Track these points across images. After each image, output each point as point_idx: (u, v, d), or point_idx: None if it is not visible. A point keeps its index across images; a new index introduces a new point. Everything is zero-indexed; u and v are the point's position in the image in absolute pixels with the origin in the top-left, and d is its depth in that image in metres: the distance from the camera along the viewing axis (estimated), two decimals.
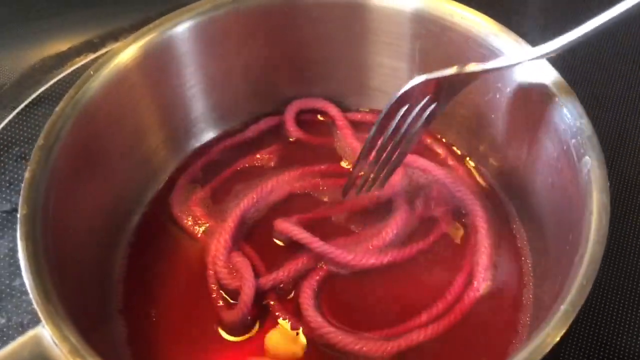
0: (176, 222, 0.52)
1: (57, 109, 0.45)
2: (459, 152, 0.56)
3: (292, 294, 0.49)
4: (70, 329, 0.37)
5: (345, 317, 0.47)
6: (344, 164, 0.56)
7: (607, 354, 0.50)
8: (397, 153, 0.49)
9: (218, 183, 0.55)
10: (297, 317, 0.47)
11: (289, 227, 0.49)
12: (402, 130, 0.47)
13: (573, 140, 0.43)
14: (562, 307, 0.36)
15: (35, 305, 0.37)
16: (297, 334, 0.46)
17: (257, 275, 0.48)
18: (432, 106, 0.47)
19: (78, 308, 0.40)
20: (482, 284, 0.48)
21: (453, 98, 0.47)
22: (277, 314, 0.47)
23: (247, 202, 0.51)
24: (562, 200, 0.45)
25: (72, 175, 0.45)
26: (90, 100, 0.46)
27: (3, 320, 0.53)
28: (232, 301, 0.48)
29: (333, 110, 0.58)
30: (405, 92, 0.46)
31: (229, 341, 0.47)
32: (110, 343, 0.46)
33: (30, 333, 0.37)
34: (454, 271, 0.49)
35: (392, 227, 0.50)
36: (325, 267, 0.49)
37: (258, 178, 0.54)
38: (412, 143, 0.48)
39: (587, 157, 0.42)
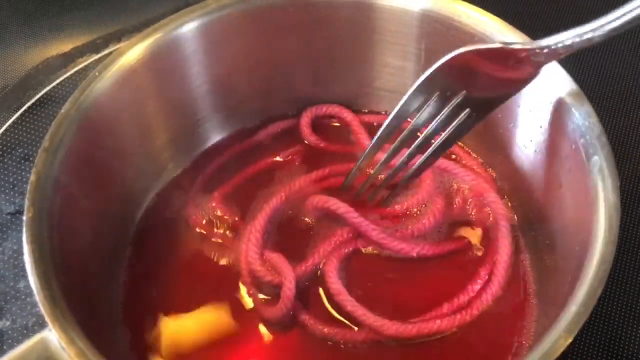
0: (190, 223, 0.52)
1: (62, 110, 0.45)
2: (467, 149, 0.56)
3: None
4: (76, 333, 0.37)
5: (365, 297, 0.48)
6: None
7: (614, 355, 0.49)
8: (419, 158, 0.48)
9: (237, 185, 0.54)
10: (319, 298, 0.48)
11: (326, 199, 0.50)
12: (429, 129, 0.46)
13: (582, 140, 0.43)
14: (574, 309, 0.36)
15: (41, 309, 0.37)
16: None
17: None
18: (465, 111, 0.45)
19: (83, 312, 0.40)
20: (501, 282, 0.48)
21: (490, 104, 0.44)
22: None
23: (276, 201, 0.51)
24: (570, 200, 0.45)
25: (77, 177, 0.45)
26: (95, 101, 0.46)
27: (8, 323, 0.53)
28: (266, 297, 0.48)
29: (348, 116, 0.58)
30: (437, 72, 0.43)
31: (271, 337, 0.47)
32: (115, 349, 0.46)
33: (37, 337, 0.36)
34: (476, 268, 0.49)
35: (430, 216, 0.50)
36: (354, 244, 0.50)
37: (279, 180, 0.54)
38: (442, 150, 0.47)
39: (596, 157, 0.42)
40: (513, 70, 0.43)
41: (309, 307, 0.48)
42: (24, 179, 0.61)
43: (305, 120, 0.58)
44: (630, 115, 0.63)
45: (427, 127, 0.46)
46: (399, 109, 0.46)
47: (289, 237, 0.51)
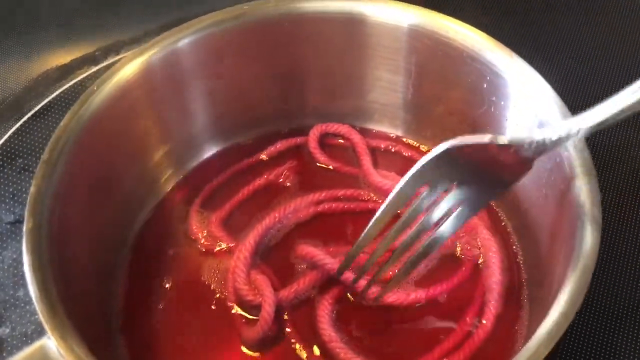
0: (187, 238, 0.53)
1: (61, 123, 0.46)
2: None
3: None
4: (75, 341, 0.37)
5: (355, 343, 0.47)
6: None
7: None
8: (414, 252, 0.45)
9: (235, 203, 0.55)
10: (311, 331, 0.47)
11: (311, 251, 0.49)
12: (418, 225, 0.44)
13: (565, 154, 0.44)
14: (555, 318, 0.37)
15: (40, 317, 0.38)
16: None
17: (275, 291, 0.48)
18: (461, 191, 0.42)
19: (82, 321, 0.40)
20: (491, 320, 0.48)
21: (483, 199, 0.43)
22: (287, 330, 0.48)
23: (268, 221, 0.52)
24: (555, 212, 0.46)
25: (75, 189, 0.46)
26: (93, 115, 0.47)
27: (7, 330, 0.53)
28: (250, 317, 0.48)
29: (356, 137, 0.58)
30: (425, 170, 0.41)
31: (249, 357, 0.47)
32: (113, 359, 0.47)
33: (37, 344, 0.37)
34: (465, 304, 0.49)
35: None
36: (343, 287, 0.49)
37: (276, 199, 0.55)
38: (437, 244, 0.45)
39: (578, 170, 0.43)
40: (503, 165, 0.42)
41: (299, 336, 0.48)
42: (24, 189, 0.62)
43: (313, 139, 0.58)
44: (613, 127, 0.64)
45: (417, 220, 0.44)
46: (389, 204, 0.43)
47: (281, 260, 0.51)
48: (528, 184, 0.50)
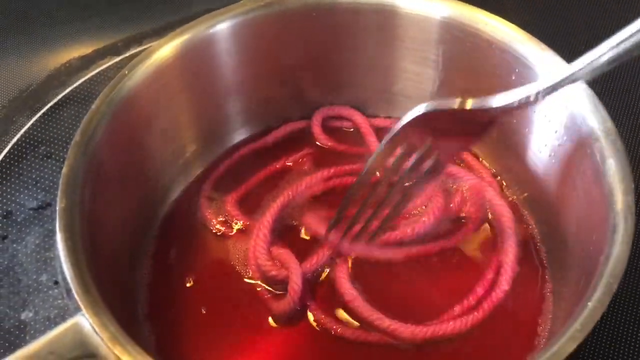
0: (204, 221, 0.53)
1: (92, 106, 0.46)
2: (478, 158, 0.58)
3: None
4: (108, 318, 0.38)
5: (375, 300, 0.48)
6: None
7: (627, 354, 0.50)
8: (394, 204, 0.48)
9: (250, 185, 0.56)
10: (333, 297, 0.48)
11: (315, 225, 0.51)
12: (402, 177, 0.47)
13: (597, 144, 0.44)
14: (590, 304, 0.37)
15: (75, 295, 0.38)
16: None
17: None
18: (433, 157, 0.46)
19: (111, 303, 0.41)
20: (508, 280, 0.49)
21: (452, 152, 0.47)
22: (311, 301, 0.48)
23: (283, 199, 0.53)
24: (584, 201, 0.46)
25: (106, 170, 0.46)
26: (124, 98, 0.48)
27: (31, 314, 0.54)
28: (276, 292, 0.49)
29: (358, 118, 0.59)
30: (403, 131, 0.45)
31: (279, 330, 0.48)
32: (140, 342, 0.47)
33: (70, 321, 0.37)
34: (483, 267, 0.50)
35: (430, 215, 0.51)
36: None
37: (284, 180, 0.55)
38: (410, 197, 0.48)
39: (610, 160, 0.43)
40: (471, 124, 0.44)
41: (321, 306, 0.49)
42: (46, 176, 0.63)
43: (316, 120, 0.59)
44: None
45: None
46: (370, 165, 0.47)
47: (297, 236, 0.52)
48: (555, 175, 0.50)
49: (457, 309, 0.48)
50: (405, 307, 0.49)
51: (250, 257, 0.50)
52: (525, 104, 0.42)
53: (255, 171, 0.56)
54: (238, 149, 0.58)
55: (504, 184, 0.56)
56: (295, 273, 0.48)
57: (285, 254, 0.49)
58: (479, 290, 0.49)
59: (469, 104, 0.43)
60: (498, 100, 0.42)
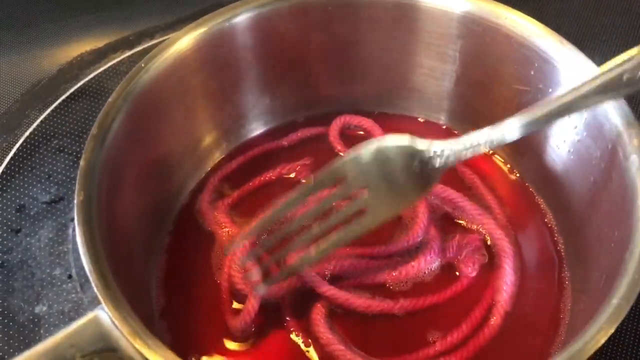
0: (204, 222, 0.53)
1: (109, 99, 0.46)
2: (496, 156, 0.57)
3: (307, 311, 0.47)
4: (128, 312, 0.37)
5: (358, 341, 0.46)
6: None
7: None
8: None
9: (247, 190, 0.54)
10: (309, 333, 0.46)
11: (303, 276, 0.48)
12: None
13: (619, 139, 0.44)
14: (615, 301, 0.37)
15: (94, 288, 0.38)
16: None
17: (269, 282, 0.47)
18: None
19: (129, 297, 0.40)
20: (499, 321, 0.47)
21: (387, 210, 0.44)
22: (291, 329, 0.47)
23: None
24: (605, 198, 0.46)
25: (122, 163, 0.46)
26: (141, 91, 0.47)
27: (45, 308, 0.53)
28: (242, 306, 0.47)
29: (377, 132, 0.57)
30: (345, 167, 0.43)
31: (228, 348, 0.47)
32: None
33: (91, 314, 0.37)
34: (474, 301, 0.48)
35: (419, 262, 0.49)
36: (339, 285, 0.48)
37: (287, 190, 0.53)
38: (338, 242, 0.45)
39: (634, 156, 0.43)
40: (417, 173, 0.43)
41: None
42: (59, 170, 0.62)
43: (334, 130, 0.57)
44: None
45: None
46: (300, 191, 0.45)
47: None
48: (574, 171, 0.50)
49: (438, 346, 0.45)
50: (386, 343, 0.47)
51: (225, 264, 0.49)
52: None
53: (256, 175, 0.55)
54: (252, 148, 0.57)
55: (523, 178, 0.55)
56: (254, 294, 0.46)
57: (254, 271, 0.47)
58: (464, 327, 0.46)
59: (421, 144, 0.42)
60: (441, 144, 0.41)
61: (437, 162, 0.42)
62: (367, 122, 0.58)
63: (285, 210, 0.46)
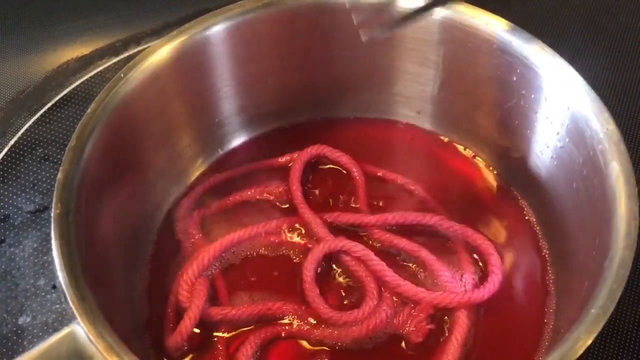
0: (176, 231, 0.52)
1: (88, 110, 0.46)
2: (479, 159, 0.57)
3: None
4: (104, 327, 0.37)
5: None
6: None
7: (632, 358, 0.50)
8: None
9: (226, 205, 0.54)
10: None
11: (344, 244, 0.49)
12: None
13: (600, 146, 0.44)
14: (593, 311, 0.37)
15: (70, 303, 0.38)
16: None
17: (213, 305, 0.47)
18: None
19: (108, 311, 0.40)
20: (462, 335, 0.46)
21: None
22: (219, 349, 0.46)
23: (244, 233, 0.50)
24: (587, 204, 0.46)
25: (102, 175, 0.46)
26: (120, 101, 0.47)
27: (28, 319, 0.53)
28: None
29: (354, 168, 0.55)
30: None
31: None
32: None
33: (66, 330, 0.37)
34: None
35: (360, 327, 0.46)
36: (277, 328, 0.47)
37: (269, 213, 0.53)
38: None
39: (614, 163, 0.42)
40: None
41: None
42: (44, 179, 0.62)
43: (298, 163, 0.55)
44: None
45: None
46: None
47: (240, 278, 0.50)
48: (558, 178, 0.50)
49: None
50: None
51: (178, 276, 0.48)
52: None
53: (238, 191, 0.54)
54: (236, 160, 0.56)
55: (491, 169, 0.55)
56: (191, 313, 0.45)
57: (199, 289, 0.47)
58: None
59: None
60: None
61: None
62: (343, 157, 0.56)
63: None
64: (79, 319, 0.37)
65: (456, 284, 0.48)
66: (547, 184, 0.51)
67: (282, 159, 0.56)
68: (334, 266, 0.50)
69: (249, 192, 0.54)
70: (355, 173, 0.55)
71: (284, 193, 0.54)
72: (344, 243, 0.49)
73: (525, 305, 0.49)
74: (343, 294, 0.49)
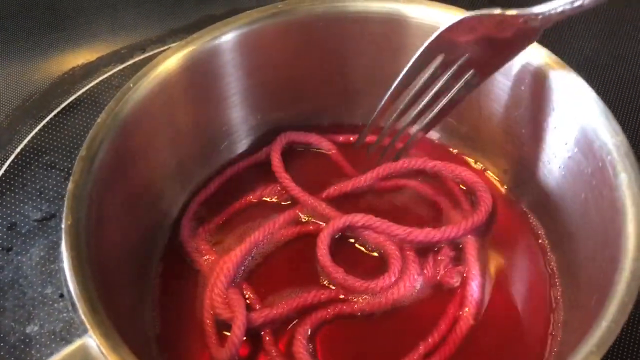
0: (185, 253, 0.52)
1: (98, 120, 0.46)
2: (486, 169, 0.57)
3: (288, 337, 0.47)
4: (117, 340, 0.37)
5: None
6: None
7: None
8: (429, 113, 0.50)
9: (228, 215, 0.54)
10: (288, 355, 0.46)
11: (359, 217, 0.51)
12: (437, 86, 0.48)
13: (609, 157, 0.44)
14: (605, 324, 0.37)
15: (82, 315, 0.37)
16: None
17: (251, 310, 0.47)
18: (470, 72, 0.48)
19: (119, 327, 0.39)
20: (472, 312, 0.48)
21: (494, 65, 0.48)
22: (273, 352, 0.46)
23: (258, 235, 0.51)
24: (596, 215, 0.46)
25: (111, 185, 0.46)
26: (129, 112, 0.47)
27: (36, 328, 0.53)
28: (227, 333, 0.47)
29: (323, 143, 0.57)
30: (442, 36, 0.46)
31: None
32: None
33: (77, 343, 0.37)
34: (446, 300, 0.49)
35: (399, 288, 0.49)
36: (320, 315, 0.48)
37: (270, 214, 0.53)
38: (450, 107, 0.49)
39: (623, 175, 0.42)
40: (512, 34, 0.46)
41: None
42: (50, 186, 0.62)
43: (275, 150, 0.56)
44: None
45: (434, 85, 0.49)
46: (407, 71, 0.48)
47: (265, 279, 0.50)
48: (566, 189, 0.50)
49: (422, 349, 0.46)
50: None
51: (207, 290, 0.48)
52: (570, 11, 0.43)
53: (238, 197, 0.55)
54: (236, 167, 0.57)
55: (514, 194, 0.55)
56: (238, 324, 0.45)
57: (235, 300, 0.47)
58: (442, 325, 0.47)
59: (510, 11, 0.45)
60: (540, 7, 0.44)
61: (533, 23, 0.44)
62: (312, 137, 0.58)
63: (396, 91, 0.49)
64: (91, 331, 0.37)
65: (456, 215, 0.53)
66: (556, 194, 0.51)
67: (259, 154, 0.57)
68: (350, 240, 0.52)
69: (247, 199, 0.55)
70: (328, 147, 0.58)
71: (280, 190, 0.55)
72: (344, 219, 0.51)
73: (532, 318, 0.49)
74: (366, 264, 0.51)
